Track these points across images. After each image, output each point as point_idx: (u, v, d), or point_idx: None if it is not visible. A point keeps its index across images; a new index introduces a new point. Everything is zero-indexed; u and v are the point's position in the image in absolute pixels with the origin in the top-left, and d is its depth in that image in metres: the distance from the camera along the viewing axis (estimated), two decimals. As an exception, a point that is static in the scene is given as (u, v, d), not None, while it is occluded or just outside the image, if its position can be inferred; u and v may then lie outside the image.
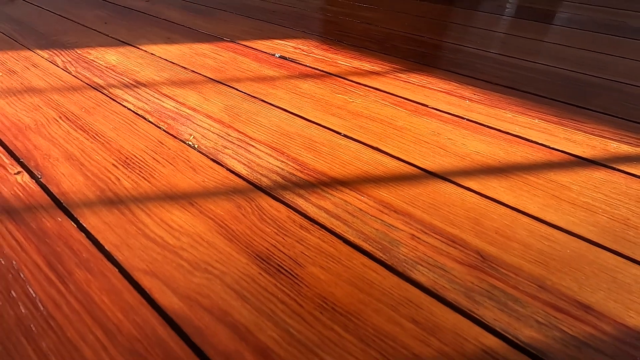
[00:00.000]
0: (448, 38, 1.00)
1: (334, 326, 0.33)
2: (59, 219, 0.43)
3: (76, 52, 0.87)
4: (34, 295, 0.35)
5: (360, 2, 1.34)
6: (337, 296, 0.35)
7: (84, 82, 0.73)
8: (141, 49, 0.89)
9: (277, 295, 0.35)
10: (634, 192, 0.48)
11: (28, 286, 0.36)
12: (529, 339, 0.32)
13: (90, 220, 0.43)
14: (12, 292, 0.35)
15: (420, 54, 0.89)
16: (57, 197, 0.46)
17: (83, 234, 0.41)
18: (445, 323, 0.33)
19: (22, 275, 0.37)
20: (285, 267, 0.38)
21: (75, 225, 0.42)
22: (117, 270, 0.37)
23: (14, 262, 0.38)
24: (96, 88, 0.71)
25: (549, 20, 1.19)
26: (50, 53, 0.86)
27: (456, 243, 0.41)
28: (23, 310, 0.34)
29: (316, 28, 1.06)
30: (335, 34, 1.01)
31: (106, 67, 0.80)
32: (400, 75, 0.78)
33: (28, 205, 0.45)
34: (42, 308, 0.34)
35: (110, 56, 0.85)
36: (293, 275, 0.37)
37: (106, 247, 0.40)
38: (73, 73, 0.77)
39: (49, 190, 0.47)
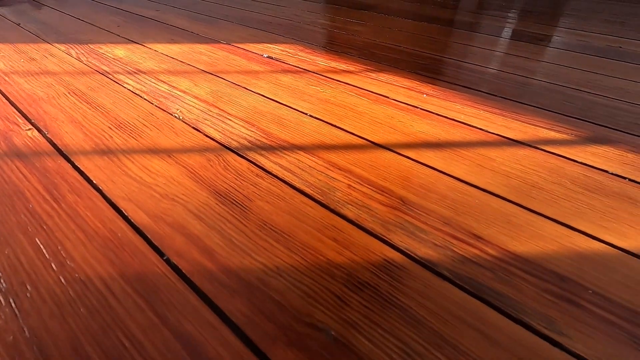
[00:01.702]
0: (423, 49, 1.11)
1: (268, 239, 0.41)
2: (59, 161, 0.52)
3: (89, 46, 0.99)
4: (32, 208, 0.43)
5: (353, 19, 1.46)
6: (276, 221, 0.43)
7: (92, 68, 0.84)
8: (146, 47, 1.01)
9: (227, 218, 0.43)
10: (550, 165, 0.56)
11: (29, 203, 0.44)
12: (425, 254, 0.39)
13: (84, 163, 0.52)
14: (15, 205, 0.44)
15: (394, 59, 0.99)
16: (59, 147, 0.55)
17: (77, 172, 0.50)
18: (359, 242, 0.41)
19: (24, 196, 0.45)
20: (237, 201, 0.46)
21: (71, 166, 0.51)
22: (101, 196, 0.46)
23: (19, 187, 0.47)
24: (102, 73, 0.82)
25: (518, 38, 1.30)
26: (67, 47, 0.98)
27: (384, 192, 0.49)
28: (22, 217, 0.42)
29: (305, 36, 1.18)
30: (321, 42, 1.13)
31: (113, 59, 0.91)
32: (370, 74, 0.88)
33: (35, 151, 0.54)
34: (37, 217, 0.42)
35: (119, 51, 0.97)
36: (243, 206, 0.45)
37: (94, 181, 0.48)
38: (84, 62, 0.88)
39: (53, 142, 0.56)
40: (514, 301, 0.35)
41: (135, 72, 0.83)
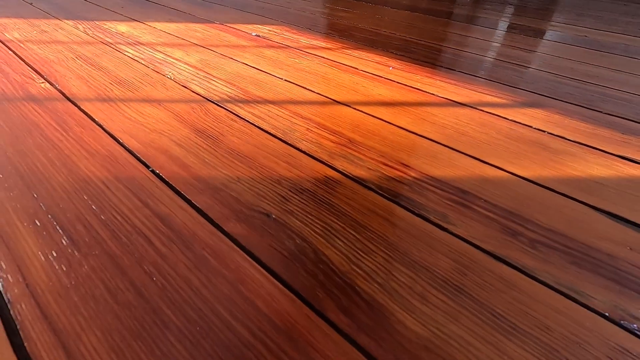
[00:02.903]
0: (401, 33, 1.20)
1: (233, 160, 0.51)
2: (67, 105, 0.62)
3: (95, 23, 1.09)
4: (45, 134, 0.54)
5: (342, 7, 1.56)
6: (241, 149, 0.53)
7: (97, 39, 0.94)
8: (146, 24, 1.11)
9: (202, 146, 0.53)
10: (483, 120, 0.66)
11: (43, 132, 0.54)
12: (358, 174, 0.49)
13: (88, 107, 0.62)
14: (32, 133, 0.54)
15: (370, 40, 1.09)
16: (68, 95, 0.65)
17: (82, 112, 0.60)
18: (307, 165, 0.51)
19: (39, 127, 0.55)
20: (212, 135, 0.56)
21: (77, 109, 0.61)
22: (101, 129, 0.56)
23: (35, 121, 0.57)
24: (106, 44, 0.92)
25: (494, 26, 1.39)
26: (75, 22, 1.08)
27: (336, 134, 0.58)
28: (38, 140, 0.52)
29: (294, 20, 1.27)
30: (307, 24, 1.22)
31: (116, 33, 1.01)
32: (346, 50, 0.98)
33: (47, 98, 0.64)
34: (50, 140, 0.52)
35: (121, 27, 1.07)
36: (216, 139, 0.55)
37: (96, 119, 0.58)
38: (90, 35, 0.98)
39: (62, 92, 0.66)
40: (419, 203, 0.45)
41: (135, 44, 0.93)
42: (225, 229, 0.39)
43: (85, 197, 0.43)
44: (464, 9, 1.75)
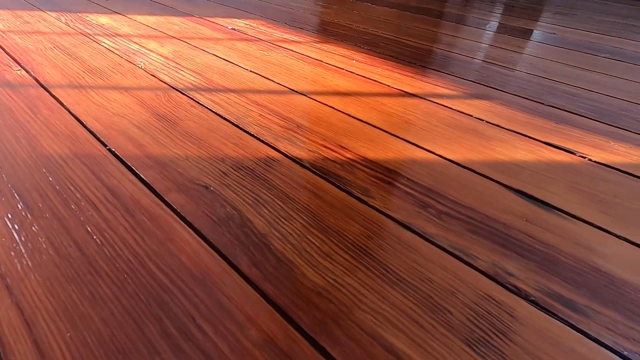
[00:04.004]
0: (374, 28, 1.24)
1: (185, 141, 0.55)
2: (39, 91, 0.67)
3: (77, 15, 1.14)
4: (15, 117, 0.58)
5: (326, 2, 1.60)
6: (195, 132, 0.58)
7: (77, 31, 0.99)
8: (127, 17, 1.15)
9: (159, 128, 0.58)
10: (428, 110, 0.70)
11: (13, 114, 0.59)
12: (297, 154, 0.54)
13: (58, 93, 0.66)
14: (3, 115, 0.59)
15: (342, 34, 1.13)
16: (41, 82, 0.70)
17: (52, 98, 0.65)
18: (252, 146, 0.55)
19: (11, 110, 0.60)
20: (170, 119, 0.61)
21: (48, 94, 0.66)
22: (68, 112, 0.61)
23: (7, 105, 0.61)
24: (85, 35, 0.96)
25: (461, 21, 1.43)
26: (57, 14, 1.13)
27: (286, 120, 0.63)
28: (8, 122, 0.57)
29: (271, 14, 1.32)
30: (283, 19, 1.27)
31: (97, 25, 1.05)
32: (315, 44, 1.02)
33: (21, 84, 0.69)
34: (19, 122, 0.57)
35: (102, 19, 1.11)
36: (174, 123, 0.60)
37: (64, 103, 0.63)
38: (71, 26, 1.03)
39: (36, 79, 0.71)
40: (347, 180, 0.50)
41: (113, 35, 0.98)
42: (166, 198, 0.44)
43: (44, 171, 0.47)
44: (451, 7, 1.79)
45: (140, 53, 0.87)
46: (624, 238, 0.44)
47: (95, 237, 0.39)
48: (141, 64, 0.81)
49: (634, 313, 0.35)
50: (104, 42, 0.92)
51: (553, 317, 0.34)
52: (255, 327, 0.31)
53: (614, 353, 0.31)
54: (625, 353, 0.31)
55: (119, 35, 0.98)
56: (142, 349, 0.29)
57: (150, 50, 0.89)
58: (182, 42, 0.96)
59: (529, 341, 0.32)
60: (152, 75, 0.76)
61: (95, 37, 0.96)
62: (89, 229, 0.39)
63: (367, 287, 0.35)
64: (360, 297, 0.34)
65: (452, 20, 1.47)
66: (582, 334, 0.33)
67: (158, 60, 0.84)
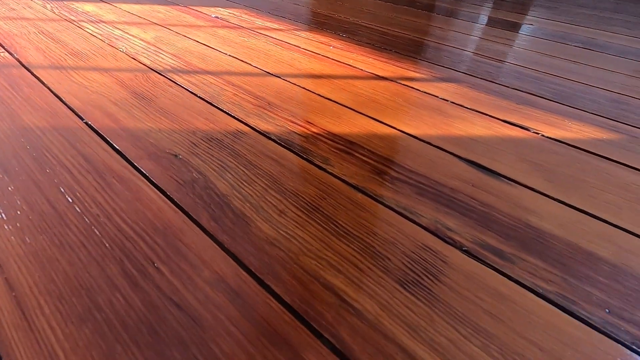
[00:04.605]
0: (355, 18, 1.27)
1: (159, 116, 0.58)
2: (22, 71, 0.69)
3: (63, 2, 1.16)
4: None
5: (309, -5, 1.62)
6: (169, 109, 0.61)
7: (62, 17, 1.01)
8: (112, 5, 1.17)
9: (135, 105, 0.61)
10: (396, 91, 0.74)
11: (-5, 92, 0.62)
12: (265, 129, 0.57)
13: (40, 73, 0.69)
14: (-15, 92, 0.61)
15: (322, 23, 1.16)
16: (24, 63, 0.72)
17: (34, 77, 0.67)
18: (223, 120, 0.59)
19: (-8, 88, 0.63)
20: (147, 97, 0.64)
21: (30, 74, 0.68)
22: (49, 90, 0.63)
23: (-11, 83, 0.64)
24: (70, 21, 0.99)
25: (437, 12, 1.47)
26: (44, 2, 1.15)
27: (259, 98, 0.66)
28: (-10, 97, 0.60)
29: (256, 4, 1.34)
30: (267, 8, 1.29)
31: (82, 12, 1.08)
32: (295, 32, 1.05)
33: (4, 65, 0.71)
34: (0, 97, 0.60)
35: (88, 7, 1.13)
36: (150, 100, 0.63)
37: (45, 82, 0.66)
38: (56, 13, 1.05)
39: (20, 61, 0.73)
40: (309, 150, 0.53)
41: (97, 22, 1.00)
42: (137, 164, 0.47)
43: (23, 140, 0.50)
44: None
45: (123, 38, 0.90)
46: (561, 200, 0.47)
47: (67, 196, 0.42)
48: (123, 47, 0.84)
49: (555, 260, 0.38)
50: (87, 28, 0.94)
51: (481, 264, 0.37)
52: (209, 269, 0.35)
53: (530, 292, 0.35)
54: (540, 291, 0.35)
55: (103, 22, 1.00)
56: (103, 286, 0.32)
57: (133, 36, 0.92)
58: (165, 29, 0.99)
59: (456, 282, 0.35)
60: (132, 58, 0.79)
61: (80, 23, 0.98)
62: (61, 189, 0.42)
63: (315, 238, 0.39)
64: (307, 246, 0.38)
65: (433, 11, 1.50)
66: (505, 277, 0.36)
67: (140, 45, 0.86)
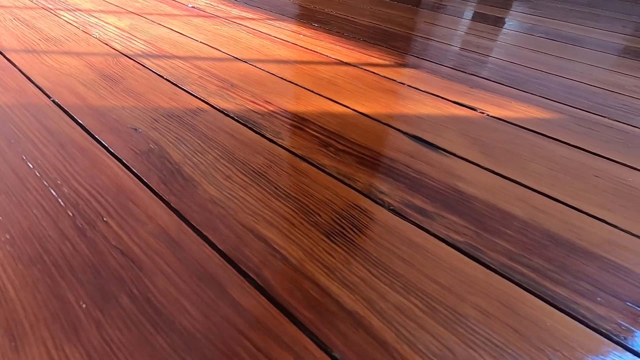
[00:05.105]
0: (329, 8, 1.31)
1: (125, 95, 0.62)
2: (-5, 55, 0.72)
3: (42, -8, 1.18)
4: (-31, 74, 0.64)
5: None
6: (136, 89, 0.64)
7: (39, 5, 1.03)
8: (92, -5, 1.20)
9: (103, 85, 0.64)
10: (356, 75, 0.77)
11: (-33, 73, 0.64)
12: (225, 107, 0.61)
13: (13, 56, 0.72)
14: (-42, 73, 0.64)
15: (297, 13, 1.20)
16: (-3, 47, 0.75)
17: (7, 60, 0.70)
18: (185, 100, 0.62)
19: (-35, 69, 0.65)
20: (115, 78, 0.67)
21: (3, 57, 0.71)
22: (20, 72, 0.66)
23: (-38, 65, 0.67)
24: (46, 9, 1.01)
25: (406, 2, 1.51)
26: (23, -9, 1.17)
27: (223, 81, 0.70)
28: (-39, 78, 0.62)
29: (236, -4, 1.37)
30: None
31: (60, 1, 1.10)
32: (269, 21, 1.08)
33: (-22, 49, 0.74)
34: (-28, 78, 0.63)
35: (66, -4, 1.16)
36: (117, 81, 0.66)
37: (17, 64, 0.68)
38: (33, 1, 1.07)
39: (-7, 45, 0.76)
40: (263, 126, 0.57)
41: (74, 10, 1.03)
42: (98, 137, 0.51)
43: (-9, 115, 0.53)
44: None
45: (98, 25, 0.92)
46: (491, 170, 0.52)
47: (28, 163, 0.45)
48: (96, 34, 0.87)
49: (472, 218, 0.43)
50: (63, 16, 0.97)
51: (404, 220, 0.41)
52: (154, 223, 0.38)
53: (443, 242, 0.39)
54: (452, 242, 0.39)
55: (80, 10, 1.03)
56: (54, 236, 0.36)
57: (108, 24, 0.94)
58: (141, 17, 1.02)
59: (377, 234, 0.39)
60: (105, 43, 0.82)
61: (56, 11, 1.00)
62: (24, 157, 0.46)
63: (255, 198, 0.43)
64: (246, 205, 0.41)
65: (407, 3, 1.54)
66: (423, 230, 0.40)
67: (113, 32, 0.89)
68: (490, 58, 0.96)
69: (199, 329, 0.29)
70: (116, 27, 0.92)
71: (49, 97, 0.59)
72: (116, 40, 0.84)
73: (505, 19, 1.43)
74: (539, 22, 1.42)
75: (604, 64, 1.01)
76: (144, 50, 0.80)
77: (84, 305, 0.30)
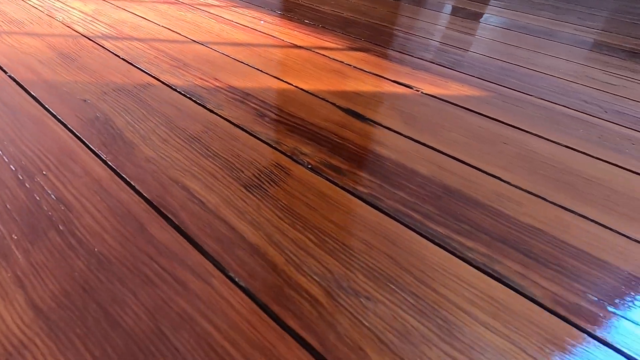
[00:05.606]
0: None
1: (79, 72, 0.66)
2: (-43, 35, 0.75)
3: (11, -22, 1.20)
4: None
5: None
6: (91, 66, 0.68)
7: (7, -9, 1.06)
8: (61, -18, 1.22)
9: (59, 63, 0.68)
10: (307, 57, 0.82)
11: None
12: (174, 83, 0.65)
13: (-26, 36, 0.75)
14: None
15: (262, 1, 1.24)
16: (-40, 29, 0.78)
17: (-32, 40, 0.73)
18: (137, 76, 0.66)
19: None
20: (72, 57, 0.70)
21: (-35, 37, 0.74)
22: (-21, 50, 0.69)
23: None
24: (14, -5, 1.04)
25: None
26: (-9, -22, 1.18)
27: (176, 60, 0.74)
28: None
29: (206, -15, 1.40)
30: (217, -11, 1.36)
31: (28, -13, 1.12)
32: (233, 8, 1.12)
33: (-59, 29, 0.77)
34: None
35: (35, -17, 1.18)
36: (74, 59, 0.70)
37: (-22, 44, 0.72)
38: (2, -13, 1.09)
39: (-44, 26, 0.79)
40: (206, 99, 0.61)
41: (41, -4, 1.05)
42: (48, 106, 0.55)
43: (-53, 88, 0.57)
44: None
45: (63, 10, 0.96)
46: (410, 137, 0.57)
47: (-21, 127, 0.49)
48: (60, 17, 0.90)
49: (381, 174, 0.48)
50: (30, 1, 1.00)
51: (318, 175, 0.47)
52: (89, 176, 0.43)
53: (348, 193, 0.44)
54: (357, 193, 0.44)
55: (47, -4, 1.06)
56: (-3, 186, 0.40)
57: (73, 8, 0.98)
58: (106, 3, 1.05)
59: (290, 186, 0.44)
60: (67, 26, 0.85)
61: (23, -4, 1.03)
62: (-25, 122, 0.50)
63: (186, 158, 0.47)
64: (177, 163, 0.46)
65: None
66: (332, 184, 0.46)
67: (77, 16, 0.92)
68: (438, 44, 1.01)
69: (115, 255, 0.34)
70: (81, 12, 0.95)
71: (5, 72, 0.63)
72: (79, 24, 0.87)
73: (450, 5, 1.49)
74: (490, 11, 1.49)
75: (554, 50, 1.07)
76: (104, 32, 0.84)
77: (15, 237, 0.35)
